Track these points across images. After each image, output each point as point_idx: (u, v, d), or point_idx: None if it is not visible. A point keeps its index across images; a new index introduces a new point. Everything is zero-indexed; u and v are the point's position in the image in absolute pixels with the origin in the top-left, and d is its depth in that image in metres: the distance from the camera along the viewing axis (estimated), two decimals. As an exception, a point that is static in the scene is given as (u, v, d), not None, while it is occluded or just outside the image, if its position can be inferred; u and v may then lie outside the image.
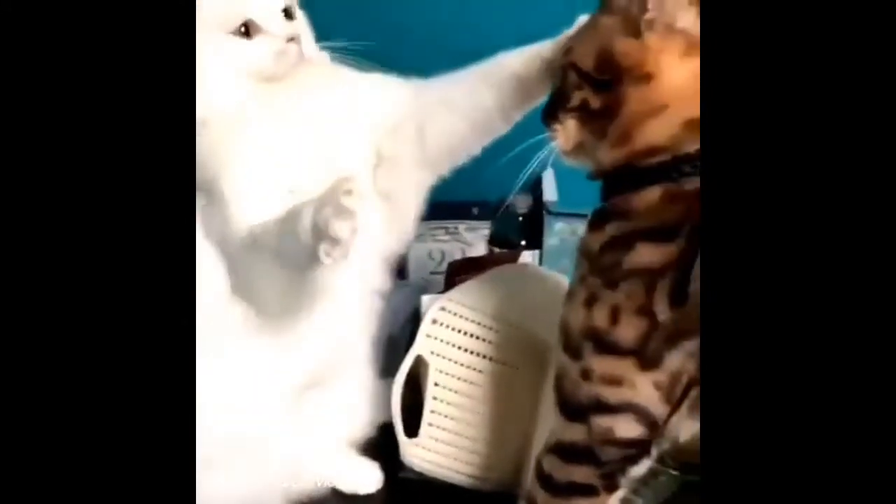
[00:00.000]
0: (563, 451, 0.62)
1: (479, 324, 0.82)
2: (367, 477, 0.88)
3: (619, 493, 0.70)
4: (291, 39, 0.78)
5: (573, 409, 0.61)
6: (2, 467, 0.45)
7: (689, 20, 0.58)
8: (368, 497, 0.86)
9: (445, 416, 0.83)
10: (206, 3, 0.75)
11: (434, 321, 0.83)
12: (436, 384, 0.83)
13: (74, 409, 0.47)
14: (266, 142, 0.77)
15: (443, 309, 0.83)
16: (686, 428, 0.59)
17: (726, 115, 0.47)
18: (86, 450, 0.47)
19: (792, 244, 0.45)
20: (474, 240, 1.24)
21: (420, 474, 0.85)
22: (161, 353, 0.49)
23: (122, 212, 0.48)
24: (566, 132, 0.64)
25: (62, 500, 0.46)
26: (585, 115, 0.62)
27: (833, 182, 0.45)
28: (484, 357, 0.82)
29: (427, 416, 0.84)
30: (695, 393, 0.57)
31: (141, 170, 0.49)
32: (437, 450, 0.84)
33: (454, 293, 0.84)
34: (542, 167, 0.66)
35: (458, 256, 1.24)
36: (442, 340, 0.82)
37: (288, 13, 0.80)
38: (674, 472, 0.75)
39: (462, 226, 1.24)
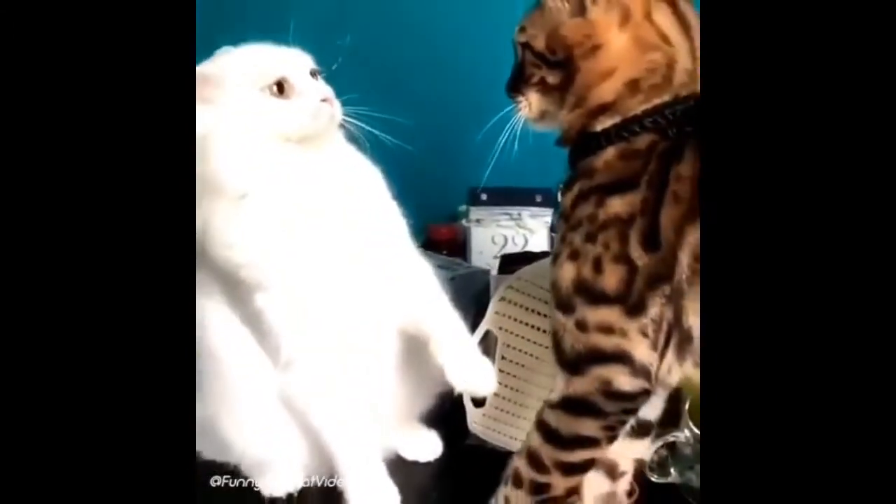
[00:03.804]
0: (569, 405, 0.66)
1: (546, 302, 0.86)
2: (428, 446, 0.93)
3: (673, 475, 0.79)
4: (324, 100, 0.78)
5: (573, 362, 0.66)
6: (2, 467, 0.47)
7: None
8: (430, 464, 0.92)
9: (511, 388, 0.88)
10: (238, 61, 0.78)
11: (503, 299, 0.88)
12: (503, 357, 0.88)
13: (74, 409, 0.49)
14: (308, 230, 0.77)
15: (511, 287, 0.88)
16: (675, 372, 0.65)
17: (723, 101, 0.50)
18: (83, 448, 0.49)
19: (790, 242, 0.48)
20: (536, 226, 1.29)
21: (484, 442, 0.91)
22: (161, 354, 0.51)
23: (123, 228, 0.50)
24: (530, 103, 0.71)
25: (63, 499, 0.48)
26: (545, 88, 0.69)
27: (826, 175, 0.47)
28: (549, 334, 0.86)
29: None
30: (675, 339, 0.63)
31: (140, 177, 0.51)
32: (502, 419, 0.89)
33: (523, 272, 0.89)
34: (513, 137, 0.72)
35: (520, 242, 1.29)
36: (510, 317, 0.87)
37: (313, 75, 0.80)
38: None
39: (525, 212, 1.29)
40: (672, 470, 0.83)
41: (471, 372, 0.78)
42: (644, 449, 0.76)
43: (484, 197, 1.29)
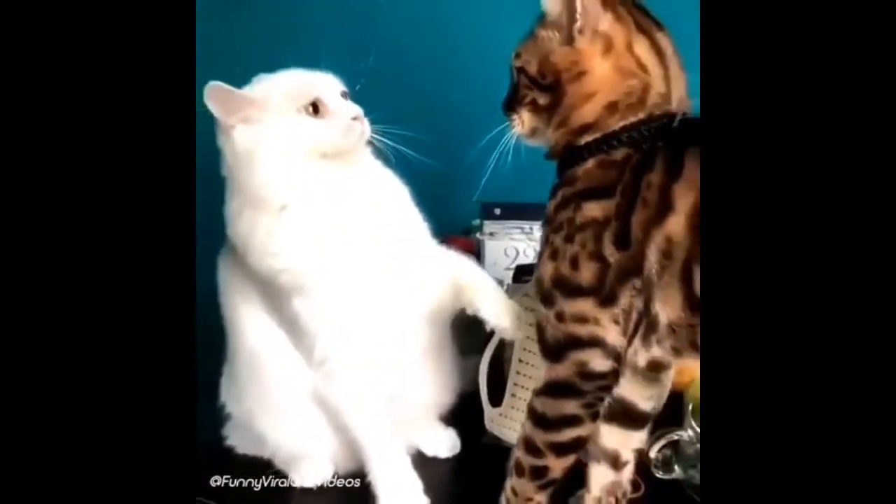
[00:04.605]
0: (552, 389, 0.73)
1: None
2: (447, 443, 0.99)
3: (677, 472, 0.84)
4: (355, 118, 0.85)
5: (554, 350, 0.73)
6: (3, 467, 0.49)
7: (606, 23, 0.72)
8: (449, 460, 0.98)
9: (526, 389, 0.94)
10: (277, 85, 0.85)
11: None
12: (520, 360, 0.94)
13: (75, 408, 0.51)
14: (349, 238, 0.85)
15: (527, 295, 0.93)
16: (642, 356, 0.72)
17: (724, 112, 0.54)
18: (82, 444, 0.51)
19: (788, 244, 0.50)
20: (546, 239, 1.34)
21: (500, 440, 0.96)
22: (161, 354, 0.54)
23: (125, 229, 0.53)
24: (522, 120, 0.78)
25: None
26: (535, 107, 0.76)
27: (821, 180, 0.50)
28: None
29: (510, 389, 0.95)
30: (643, 326, 0.70)
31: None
32: (517, 418, 0.93)
33: (538, 282, 0.95)
34: (507, 151, 0.80)
35: (531, 254, 1.34)
36: (525, 323, 0.92)
37: (344, 96, 0.87)
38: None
39: (536, 226, 1.33)
40: (676, 467, 0.88)
41: (503, 308, 0.86)
42: (642, 440, 0.82)
43: (497, 212, 1.35)
